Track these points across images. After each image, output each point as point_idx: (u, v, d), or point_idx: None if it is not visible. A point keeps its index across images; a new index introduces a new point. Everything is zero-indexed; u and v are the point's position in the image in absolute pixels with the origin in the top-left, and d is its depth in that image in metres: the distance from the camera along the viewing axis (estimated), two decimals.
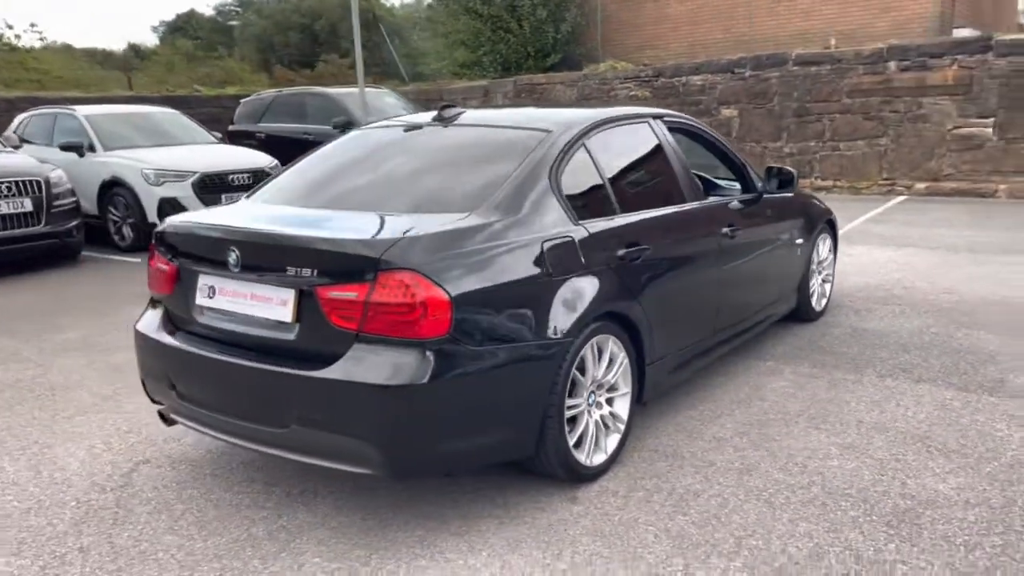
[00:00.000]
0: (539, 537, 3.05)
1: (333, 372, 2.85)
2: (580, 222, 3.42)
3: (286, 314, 3.03)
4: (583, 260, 3.35)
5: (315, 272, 2.90)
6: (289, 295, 3.02)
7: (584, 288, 3.33)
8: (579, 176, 3.57)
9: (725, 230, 4.35)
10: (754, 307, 4.82)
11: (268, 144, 12.63)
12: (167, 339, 3.40)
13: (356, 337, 2.86)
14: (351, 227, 3.08)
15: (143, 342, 3.55)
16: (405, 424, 2.82)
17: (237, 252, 3.09)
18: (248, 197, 3.90)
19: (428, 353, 2.81)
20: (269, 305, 3.09)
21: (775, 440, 3.82)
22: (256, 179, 10.39)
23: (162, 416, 3.61)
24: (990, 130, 11.36)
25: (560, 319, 3.18)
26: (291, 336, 3.01)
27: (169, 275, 3.42)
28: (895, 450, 3.66)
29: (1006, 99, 11.18)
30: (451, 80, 19.49)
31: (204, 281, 3.31)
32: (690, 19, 17.74)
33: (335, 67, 27.32)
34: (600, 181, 3.69)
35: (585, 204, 3.53)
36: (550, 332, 3.13)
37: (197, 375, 3.29)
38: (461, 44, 19.89)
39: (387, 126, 4.18)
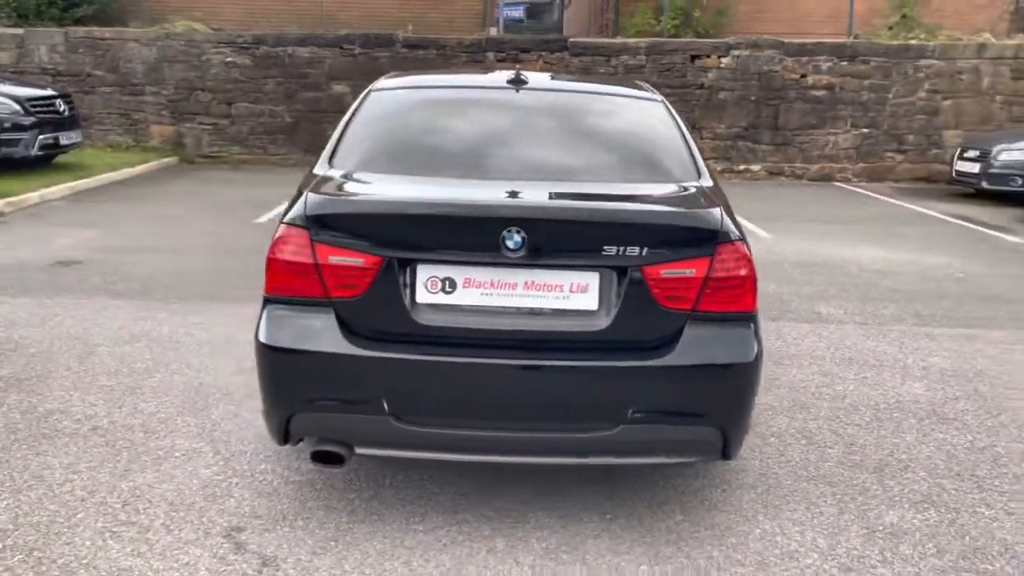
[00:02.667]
0: (789, 501, 3.22)
1: (679, 357, 2.64)
2: None
3: (588, 301, 2.64)
4: None
5: (643, 250, 2.60)
6: (591, 279, 2.64)
7: None
8: None
9: None
10: None
11: None
12: (371, 351, 2.61)
13: (689, 317, 2.67)
14: (644, 200, 2.80)
15: (305, 361, 2.63)
16: (744, 402, 2.77)
17: (523, 234, 2.55)
18: (331, 163, 3.07)
19: (752, 326, 2.79)
20: (557, 294, 2.64)
21: (776, 379, 4.47)
22: None
23: (326, 456, 2.72)
24: None
25: None
26: (601, 325, 2.64)
27: (366, 270, 2.60)
28: (858, 373, 4.61)
29: None
30: None
31: (431, 273, 2.63)
32: None
33: None
34: None
35: None
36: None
37: (454, 389, 2.62)
38: None
39: (450, 86, 3.65)
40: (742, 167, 13.42)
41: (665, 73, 13.25)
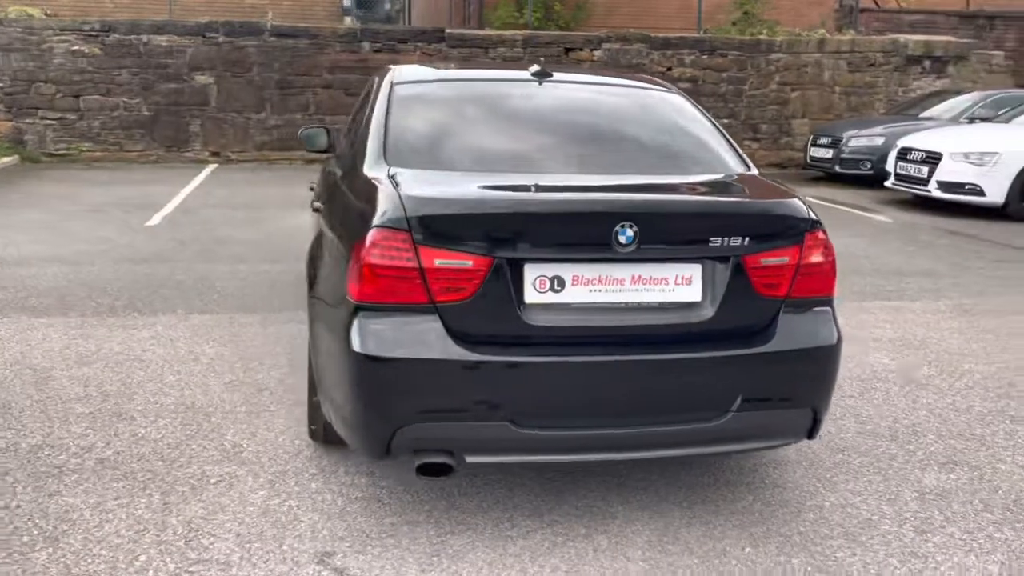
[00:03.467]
0: (837, 474, 3.39)
1: (780, 343, 2.73)
2: None
3: (693, 293, 2.67)
4: None
5: (745, 240, 2.66)
6: (694, 271, 2.67)
7: None
8: None
9: None
10: None
11: None
12: (485, 356, 2.50)
13: (783, 303, 2.75)
14: (734, 191, 2.84)
15: (414, 371, 2.48)
16: (832, 382, 2.90)
17: (635, 228, 2.52)
18: (387, 161, 2.89)
19: (831, 308, 2.92)
20: (663, 287, 2.65)
21: None
22: None
23: (436, 468, 2.57)
24: None
25: None
26: (706, 315, 2.67)
27: (475, 272, 2.48)
28: None
29: None
30: None
31: (539, 272, 2.56)
32: None
33: None
34: None
35: None
36: None
37: (570, 389, 2.57)
38: None
39: (477, 79, 3.54)
40: None
41: None
